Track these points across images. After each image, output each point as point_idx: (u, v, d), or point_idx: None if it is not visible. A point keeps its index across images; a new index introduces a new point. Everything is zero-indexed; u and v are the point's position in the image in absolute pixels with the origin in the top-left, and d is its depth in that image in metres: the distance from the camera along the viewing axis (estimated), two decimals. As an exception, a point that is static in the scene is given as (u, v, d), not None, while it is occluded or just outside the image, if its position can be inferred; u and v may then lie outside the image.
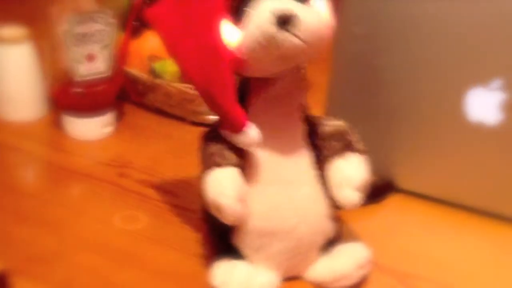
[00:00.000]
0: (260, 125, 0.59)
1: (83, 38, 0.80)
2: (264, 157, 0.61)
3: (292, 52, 0.56)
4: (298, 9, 0.55)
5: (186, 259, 0.66)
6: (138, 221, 0.72)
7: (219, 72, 0.57)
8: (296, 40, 0.55)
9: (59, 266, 0.64)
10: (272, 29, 0.54)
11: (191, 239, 0.68)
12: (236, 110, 0.57)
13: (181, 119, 0.89)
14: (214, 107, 0.59)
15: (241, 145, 0.59)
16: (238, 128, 0.58)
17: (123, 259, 0.66)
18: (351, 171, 0.61)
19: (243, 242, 0.61)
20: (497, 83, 0.69)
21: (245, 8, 0.56)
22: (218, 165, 0.59)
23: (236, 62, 0.57)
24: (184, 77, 0.62)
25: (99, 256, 0.66)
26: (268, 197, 0.61)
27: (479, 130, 0.71)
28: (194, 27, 0.58)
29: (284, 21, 0.54)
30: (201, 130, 0.64)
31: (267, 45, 0.55)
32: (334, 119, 0.65)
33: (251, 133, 0.58)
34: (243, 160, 0.60)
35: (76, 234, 0.70)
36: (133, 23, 0.87)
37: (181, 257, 0.66)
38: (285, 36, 0.54)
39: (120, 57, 0.85)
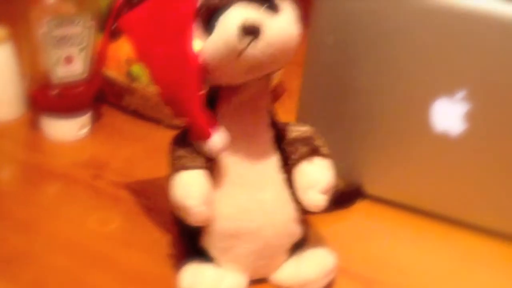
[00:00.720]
0: (229, 130, 0.60)
1: (62, 41, 0.81)
2: (231, 161, 0.62)
3: (256, 63, 0.57)
4: (264, 21, 0.56)
5: (156, 261, 0.67)
6: (111, 223, 0.73)
7: (188, 81, 0.58)
8: (260, 50, 0.56)
9: (30, 267, 0.65)
10: (239, 40, 0.55)
11: (162, 241, 0.69)
12: (203, 119, 0.59)
13: (157, 121, 0.89)
14: (181, 114, 0.60)
15: (208, 152, 0.60)
16: (204, 136, 0.59)
17: (95, 261, 0.67)
18: (316, 175, 0.63)
19: (211, 243, 0.62)
20: (461, 94, 0.71)
21: (214, 19, 0.57)
22: (186, 167, 0.60)
23: (204, 71, 0.58)
24: (154, 84, 0.63)
25: (71, 257, 0.67)
26: (234, 199, 0.62)
27: (443, 139, 0.73)
28: (165, 35, 0.59)
29: (248, 32, 0.55)
30: (175, 133, 0.65)
31: (235, 55, 0.56)
32: (301, 124, 0.66)
33: (218, 141, 0.59)
34: (210, 163, 0.61)
35: (49, 234, 0.70)
36: (112, 26, 0.85)
37: (152, 259, 0.67)
38: (249, 47, 0.56)
39: (98, 60, 0.85)
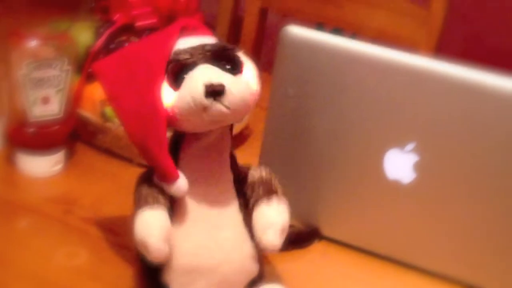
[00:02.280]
0: (191, 172, 0.64)
1: (40, 82, 0.82)
2: (193, 201, 0.65)
3: (219, 118, 0.61)
4: (227, 81, 0.61)
5: None
6: (78, 257, 0.74)
7: (155, 128, 0.61)
8: (223, 108, 0.61)
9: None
10: (203, 98, 0.60)
11: (126, 276, 0.71)
12: (167, 163, 0.62)
13: (128, 160, 0.89)
14: (148, 158, 0.63)
15: (171, 194, 0.63)
16: (168, 179, 0.62)
17: None
18: (273, 217, 0.66)
19: (171, 279, 0.64)
20: (410, 146, 0.73)
21: (182, 74, 0.61)
22: (149, 206, 0.63)
23: (171, 120, 0.62)
24: (123, 127, 0.67)
25: None
26: (195, 237, 0.65)
27: (395, 187, 0.75)
28: (136, 85, 0.63)
29: (214, 91, 0.60)
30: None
31: (198, 111, 0.60)
32: (261, 168, 0.69)
33: (180, 185, 0.62)
34: (172, 202, 0.64)
35: (17, 267, 0.71)
36: (88, 70, 0.89)
37: None
38: (213, 105, 0.60)
39: (74, 100, 0.87)
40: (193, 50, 0.63)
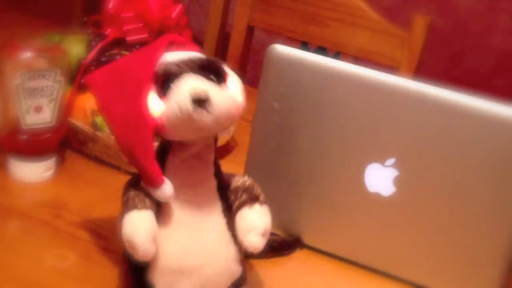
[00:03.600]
0: (177, 178, 0.66)
1: (33, 92, 0.84)
2: (178, 205, 0.67)
3: (204, 126, 0.63)
4: (212, 91, 0.63)
5: None
6: (67, 260, 0.75)
7: (142, 136, 0.63)
8: (208, 117, 0.63)
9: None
10: (189, 106, 0.62)
11: (114, 277, 0.72)
12: (154, 169, 0.64)
13: (116, 168, 0.92)
14: (135, 164, 0.65)
15: (157, 198, 0.65)
16: (155, 184, 0.64)
17: None
18: (255, 220, 0.68)
19: (156, 278, 0.66)
20: (391, 161, 0.76)
21: (168, 84, 0.63)
22: (136, 208, 0.64)
23: (158, 128, 0.64)
24: (112, 135, 0.69)
25: None
26: (180, 239, 0.66)
27: (375, 199, 0.77)
28: (125, 94, 0.65)
29: (199, 101, 0.62)
30: None
31: (184, 119, 0.62)
32: (243, 176, 0.71)
33: (166, 190, 0.64)
34: (159, 205, 0.66)
35: (8, 269, 0.72)
36: (80, 81, 0.92)
37: None
38: (198, 113, 0.62)
39: (66, 110, 0.88)
40: (180, 62, 0.65)
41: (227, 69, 0.67)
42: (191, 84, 0.63)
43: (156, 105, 0.64)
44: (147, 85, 0.64)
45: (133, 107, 0.64)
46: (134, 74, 0.65)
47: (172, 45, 0.68)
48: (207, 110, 0.62)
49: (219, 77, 0.65)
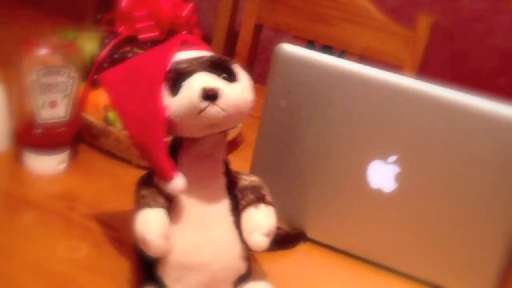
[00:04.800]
0: (188, 175, 0.67)
1: (48, 88, 0.85)
2: (188, 202, 0.68)
3: (215, 121, 0.65)
4: (223, 87, 0.64)
5: (118, 286, 0.71)
6: (79, 251, 0.76)
7: (155, 131, 0.65)
8: (218, 112, 0.64)
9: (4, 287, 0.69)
10: (200, 101, 0.63)
11: (124, 268, 0.74)
12: (166, 163, 0.65)
13: (127, 162, 0.93)
14: (148, 159, 0.66)
15: (169, 192, 0.66)
16: (167, 178, 0.65)
17: (62, 284, 0.71)
18: (261, 220, 0.69)
19: (165, 273, 0.68)
20: (393, 158, 0.77)
21: (180, 82, 0.65)
22: (148, 206, 0.66)
23: (170, 124, 0.65)
24: (126, 130, 0.69)
25: (40, 280, 0.71)
26: (188, 236, 0.68)
27: (377, 195, 0.78)
28: (138, 92, 0.66)
29: (210, 96, 0.63)
30: (143, 173, 0.70)
31: (196, 114, 0.64)
32: (251, 174, 0.73)
33: (178, 183, 0.66)
34: (170, 203, 0.67)
35: (22, 258, 0.74)
36: (93, 77, 0.93)
37: (115, 284, 0.72)
38: (209, 107, 0.63)
39: (79, 105, 0.90)
40: (191, 60, 0.66)
41: (237, 68, 0.68)
42: (203, 81, 0.64)
43: (168, 101, 0.65)
44: (159, 83, 0.65)
45: (146, 104, 0.65)
46: (147, 72, 0.66)
47: (184, 45, 0.69)
48: (218, 105, 0.64)
49: (230, 75, 0.66)
